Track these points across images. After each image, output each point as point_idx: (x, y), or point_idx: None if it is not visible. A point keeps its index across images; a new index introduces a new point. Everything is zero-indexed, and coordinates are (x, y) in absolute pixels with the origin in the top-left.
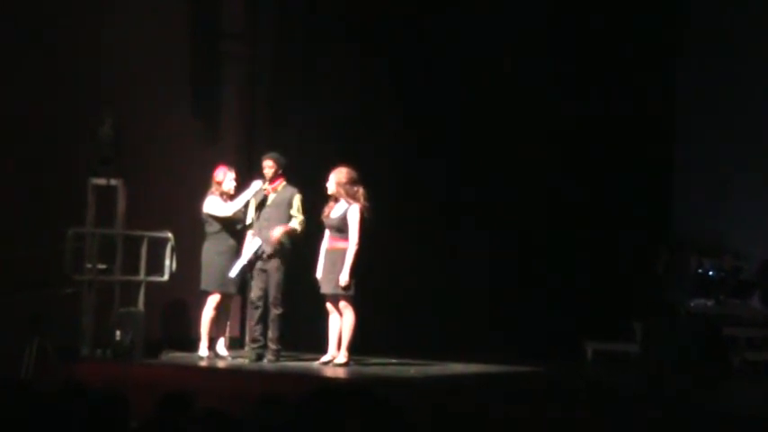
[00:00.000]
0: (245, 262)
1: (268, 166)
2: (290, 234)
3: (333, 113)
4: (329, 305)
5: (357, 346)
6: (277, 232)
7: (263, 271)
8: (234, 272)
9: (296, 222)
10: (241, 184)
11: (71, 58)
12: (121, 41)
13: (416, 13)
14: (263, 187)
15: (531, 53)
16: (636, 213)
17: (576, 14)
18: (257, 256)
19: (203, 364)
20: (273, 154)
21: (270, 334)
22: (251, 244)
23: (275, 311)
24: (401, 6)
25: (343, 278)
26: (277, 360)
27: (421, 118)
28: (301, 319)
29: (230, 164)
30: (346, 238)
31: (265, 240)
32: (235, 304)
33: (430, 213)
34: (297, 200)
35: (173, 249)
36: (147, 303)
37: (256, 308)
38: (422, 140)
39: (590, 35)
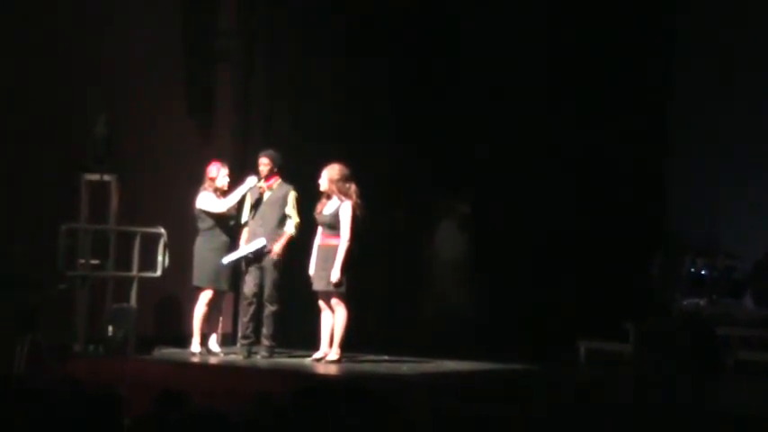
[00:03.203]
0: (243, 255)
1: (263, 163)
2: (289, 242)
3: (327, 111)
4: (321, 302)
5: (349, 343)
6: (277, 247)
7: (259, 267)
8: (227, 260)
9: (291, 226)
10: (235, 181)
11: (67, 57)
12: (117, 40)
13: (412, 10)
14: (258, 185)
15: (528, 52)
16: (630, 213)
17: (574, 14)
18: (256, 255)
19: (196, 360)
20: (269, 151)
21: (264, 330)
22: (254, 242)
23: (270, 308)
24: (397, 4)
25: (335, 275)
26: (270, 357)
27: (417, 115)
28: (294, 315)
29: (224, 161)
30: (338, 235)
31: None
32: (227, 300)
33: (425, 211)
34: (291, 198)
35: (165, 245)
36: (139, 299)
37: (249, 304)
38: (418, 138)
39: (586, 36)
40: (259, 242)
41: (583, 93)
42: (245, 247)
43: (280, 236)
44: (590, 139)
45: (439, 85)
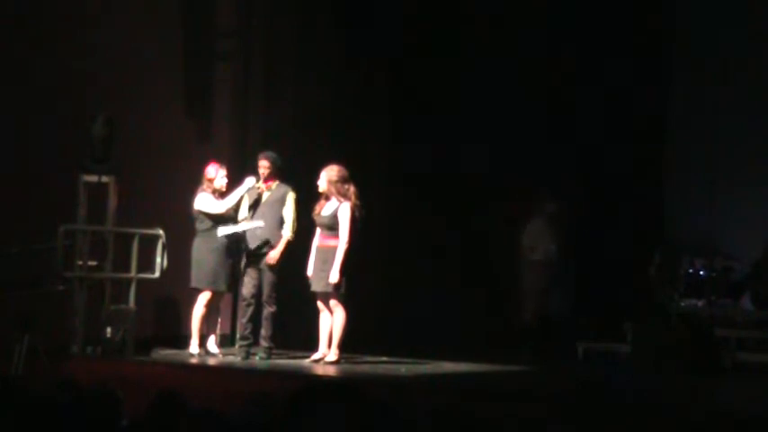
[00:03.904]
0: (239, 231)
1: (263, 165)
2: (287, 246)
3: (327, 112)
4: (320, 303)
5: (348, 344)
6: (275, 253)
7: (258, 269)
8: (222, 231)
9: (288, 230)
10: (233, 183)
11: (66, 57)
12: (116, 40)
13: (410, 11)
14: (257, 186)
15: (528, 52)
16: (630, 213)
17: (574, 14)
18: (253, 252)
19: (194, 361)
20: (269, 153)
21: (262, 332)
22: (252, 222)
23: (269, 309)
24: (397, 4)
25: (334, 276)
26: (268, 358)
27: (417, 115)
28: (292, 317)
29: (222, 162)
30: (337, 236)
31: (259, 237)
32: (226, 301)
33: (424, 213)
34: (290, 198)
35: (164, 246)
36: (137, 301)
37: (248, 305)
38: (417, 139)
39: (586, 35)
40: (256, 223)
41: (583, 93)
42: (244, 224)
43: (278, 238)
44: (590, 138)
45: (439, 85)
